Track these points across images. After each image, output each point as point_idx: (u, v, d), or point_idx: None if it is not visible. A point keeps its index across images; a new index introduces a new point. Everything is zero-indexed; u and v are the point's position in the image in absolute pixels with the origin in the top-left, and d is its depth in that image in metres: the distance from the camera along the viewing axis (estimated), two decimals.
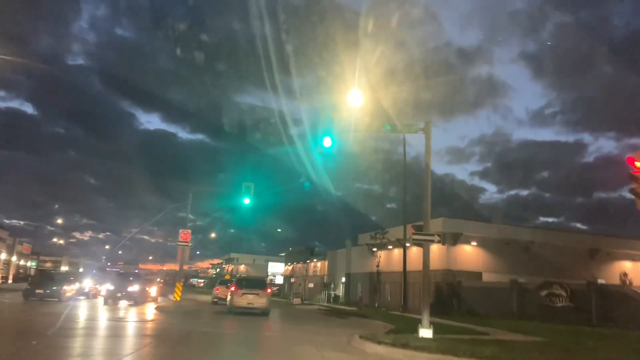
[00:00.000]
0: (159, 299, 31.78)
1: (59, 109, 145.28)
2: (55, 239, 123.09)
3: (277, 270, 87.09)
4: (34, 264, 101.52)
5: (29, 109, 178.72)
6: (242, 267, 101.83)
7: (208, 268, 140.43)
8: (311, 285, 54.53)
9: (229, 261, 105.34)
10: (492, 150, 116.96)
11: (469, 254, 34.52)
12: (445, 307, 29.69)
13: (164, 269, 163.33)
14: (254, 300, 21.89)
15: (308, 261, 63.75)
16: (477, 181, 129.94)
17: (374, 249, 36.12)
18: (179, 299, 25.55)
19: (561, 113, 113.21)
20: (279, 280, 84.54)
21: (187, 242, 25.48)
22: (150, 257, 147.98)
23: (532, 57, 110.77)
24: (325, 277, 56.21)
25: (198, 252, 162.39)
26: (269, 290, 24.03)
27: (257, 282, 24.64)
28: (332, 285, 50.95)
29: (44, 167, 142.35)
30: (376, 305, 39.00)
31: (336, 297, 49.75)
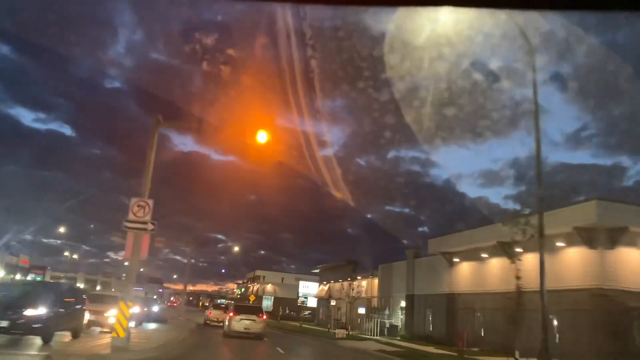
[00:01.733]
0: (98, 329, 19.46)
1: (96, 131, 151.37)
2: (67, 253, 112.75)
3: (309, 290, 73.98)
4: (37, 278, 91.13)
5: (67, 130, 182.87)
6: (269, 287, 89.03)
7: (234, 289, 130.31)
8: (358, 310, 40.90)
9: (254, 280, 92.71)
10: (526, 174, 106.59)
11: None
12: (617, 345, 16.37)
13: (190, 288, 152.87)
14: (251, 325, 23.67)
15: (350, 279, 50.53)
16: (511, 205, 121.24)
17: (515, 249, 20.97)
18: (122, 334, 12.71)
19: (598, 135, 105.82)
20: (312, 302, 71.41)
21: (144, 222, 12.92)
22: (175, 276, 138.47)
23: (566, 79, 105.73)
24: (375, 300, 42.90)
25: (223, 270, 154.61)
26: (264, 317, 25.53)
27: (254, 309, 26.47)
28: (387, 312, 37.61)
29: (81, 187, 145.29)
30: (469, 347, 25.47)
31: (392, 327, 36.42)
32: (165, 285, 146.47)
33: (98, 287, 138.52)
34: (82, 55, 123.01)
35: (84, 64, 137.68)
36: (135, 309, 25.50)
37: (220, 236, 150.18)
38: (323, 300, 58.24)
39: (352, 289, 44.62)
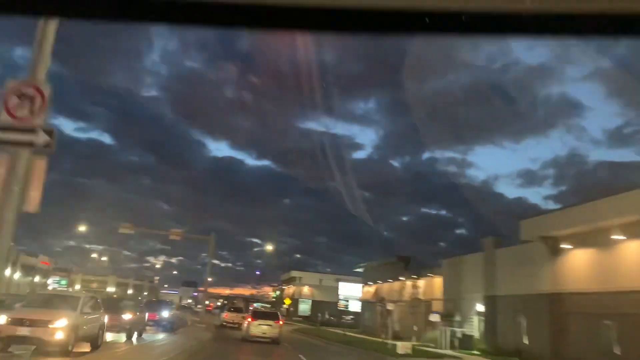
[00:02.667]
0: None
1: (134, 139, 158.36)
2: (95, 255, 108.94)
3: (351, 292, 66.05)
4: (63, 282, 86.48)
5: (106, 139, 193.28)
6: (305, 289, 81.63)
7: (270, 292, 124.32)
8: (431, 316, 32.34)
9: (289, 282, 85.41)
10: (567, 173, 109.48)
11: None
12: None
13: (227, 292, 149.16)
14: (268, 330, 24.78)
15: (402, 278, 42.44)
16: (551, 205, 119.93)
17: None
18: None
19: None
20: (355, 306, 63.48)
21: (29, 129, 5.52)
22: (210, 279, 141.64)
23: (607, 74, 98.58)
24: (437, 303, 34.72)
25: (257, 272, 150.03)
26: (281, 322, 26.56)
27: (271, 314, 27.59)
28: (457, 318, 29.35)
29: (120, 193, 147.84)
30: None
31: (466, 338, 28.22)
32: (203, 289, 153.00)
33: (130, 291, 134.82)
34: (120, 65, 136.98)
35: (122, 74, 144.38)
36: (126, 316, 18.79)
37: (256, 240, 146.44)
38: (369, 303, 50.26)
39: (416, 288, 36.67)
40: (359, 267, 55.30)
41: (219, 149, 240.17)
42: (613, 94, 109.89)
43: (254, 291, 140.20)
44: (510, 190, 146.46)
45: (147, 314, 25.74)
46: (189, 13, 1.27)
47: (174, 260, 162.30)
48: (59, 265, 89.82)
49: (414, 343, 30.16)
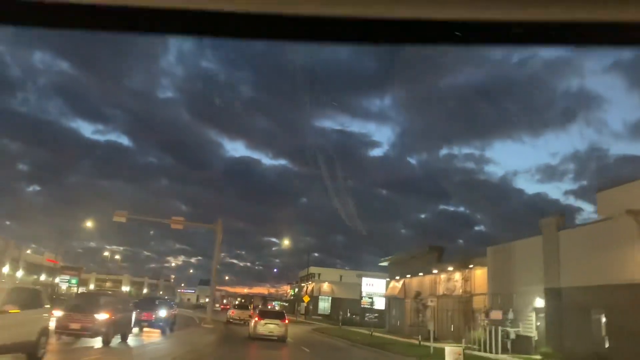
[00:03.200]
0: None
1: (151, 140, 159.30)
2: (107, 253, 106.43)
3: (375, 289, 61.23)
4: (74, 281, 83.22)
5: (125, 141, 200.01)
6: (325, 286, 77.00)
7: (288, 290, 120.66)
8: (491, 314, 26.90)
9: (307, 278, 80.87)
10: (587, 167, 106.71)
11: None
12: None
13: (245, 291, 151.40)
14: (274, 329, 24.88)
15: (435, 271, 37.56)
16: (572, 201, 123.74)
17: None
18: None
19: None
20: (380, 304, 58.65)
21: None
22: (227, 277, 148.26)
23: (627, 66, 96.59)
24: (481, 299, 29.85)
25: (275, 270, 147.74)
26: (286, 321, 26.52)
27: (277, 314, 28.41)
28: (510, 316, 24.34)
29: (139, 195, 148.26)
30: None
31: (521, 339, 23.33)
32: (220, 288, 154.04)
33: (145, 290, 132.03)
34: (136, 67, 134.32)
35: (138, 75, 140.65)
36: (102, 316, 14.59)
37: (274, 239, 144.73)
38: (396, 300, 45.44)
39: (454, 282, 31.95)
40: (384, 261, 50.45)
41: (235, 149, 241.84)
42: (634, 86, 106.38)
43: (272, 290, 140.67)
44: (530, 186, 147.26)
45: (134, 314, 21.56)
46: (192, 23, 1.30)
47: (193, 260, 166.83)
48: (70, 265, 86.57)
49: (459, 345, 25.35)
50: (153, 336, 21.10)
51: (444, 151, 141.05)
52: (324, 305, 76.82)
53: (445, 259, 38.05)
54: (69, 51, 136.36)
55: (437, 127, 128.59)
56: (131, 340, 18.41)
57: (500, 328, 23.72)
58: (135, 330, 23.61)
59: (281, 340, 24.91)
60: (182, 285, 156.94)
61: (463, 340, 27.06)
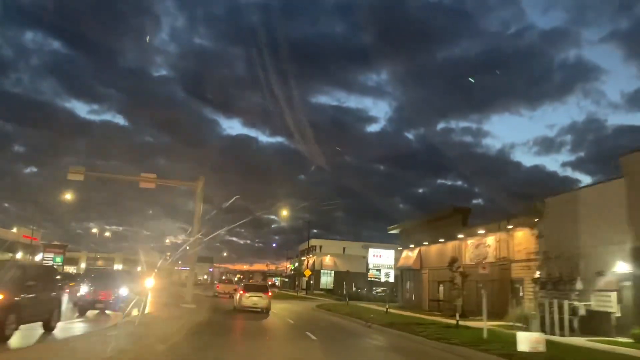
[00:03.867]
0: None
1: (147, 119, 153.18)
2: (95, 229, 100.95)
3: (383, 260, 55.75)
4: (58, 259, 77.55)
5: (120, 120, 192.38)
6: (327, 259, 71.62)
7: (288, 265, 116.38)
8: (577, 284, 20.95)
9: (309, 251, 75.43)
10: (585, 139, 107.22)
11: None
12: None
13: (245, 268, 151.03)
14: (258, 301, 25.83)
15: (461, 236, 31.79)
16: (569, 172, 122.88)
17: None
18: None
19: None
20: (388, 277, 53.26)
21: None
22: (225, 254, 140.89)
23: (625, 36, 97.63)
24: (530, 266, 24.11)
25: (274, 245, 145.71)
26: (269, 294, 27.41)
27: (260, 287, 28.47)
28: (578, 286, 18.53)
29: (137, 174, 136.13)
30: None
31: (597, 316, 17.64)
32: (220, 265, 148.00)
33: (138, 268, 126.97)
34: (130, 45, 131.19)
35: (132, 54, 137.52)
36: None
37: (273, 217, 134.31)
38: (411, 271, 39.81)
39: (501, 245, 26.39)
40: (394, 229, 44.70)
41: (232, 127, 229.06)
42: (632, 56, 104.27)
43: (272, 266, 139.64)
44: (527, 159, 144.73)
45: (85, 291, 15.87)
46: None
47: (192, 238, 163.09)
48: (56, 242, 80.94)
49: (500, 323, 19.67)
50: (102, 323, 15.34)
51: (441, 125, 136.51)
52: (327, 279, 71.62)
53: (472, 223, 32.31)
54: (61, 30, 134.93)
55: (434, 101, 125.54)
56: (61, 331, 12.65)
57: (566, 302, 17.97)
58: (91, 313, 17.97)
59: (265, 311, 25.83)
60: (179, 262, 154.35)
61: (498, 317, 21.48)
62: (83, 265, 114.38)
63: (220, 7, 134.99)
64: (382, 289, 55.02)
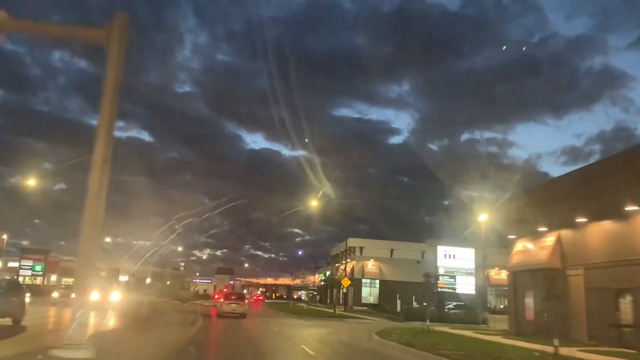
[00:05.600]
0: None
1: (172, 135, 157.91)
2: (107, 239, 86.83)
3: (458, 263, 39.23)
4: (38, 268, 63.39)
5: (146, 136, 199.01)
6: (370, 265, 55.48)
7: (314, 279, 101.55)
8: None
9: (345, 255, 59.26)
10: (614, 147, 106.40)
11: None
12: None
13: (268, 280, 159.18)
14: (237, 307, 30.99)
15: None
16: None
17: None
18: None
19: None
20: (464, 285, 36.88)
21: None
22: (246, 265, 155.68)
23: None
24: None
25: (300, 252, 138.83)
26: (246, 301, 34.18)
27: (238, 295, 35.15)
28: None
29: (163, 190, 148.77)
30: None
31: None
32: (244, 279, 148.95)
33: (148, 280, 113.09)
34: (153, 62, 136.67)
35: (156, 71, 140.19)
36: None
37: (297, 230, 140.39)
38: (537, 273, 23.29)
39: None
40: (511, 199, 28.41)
41: (255, 141, 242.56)
42: None
43: (297, 280, 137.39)
44: (554, 169, 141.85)
45: None
46: None
47: (218, 252, 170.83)
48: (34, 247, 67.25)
49: None
50: None
51: (465, 136, 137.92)
52: (369, 291, 55.54)
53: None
54: (85, 48, 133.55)
55: (457, 111, 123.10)
56: None
57: None
58: None
59: (242, 316, 30.33)
60: (197, 274, 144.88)
61: None
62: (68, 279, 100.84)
63: (241, 22, 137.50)
64: (454, 303, 38.72)
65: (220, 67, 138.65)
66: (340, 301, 52.52)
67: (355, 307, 50.86)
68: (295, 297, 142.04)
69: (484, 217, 31.10)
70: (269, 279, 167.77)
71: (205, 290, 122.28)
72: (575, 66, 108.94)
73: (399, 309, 43.40)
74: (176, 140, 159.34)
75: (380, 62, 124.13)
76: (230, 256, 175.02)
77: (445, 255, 38.19)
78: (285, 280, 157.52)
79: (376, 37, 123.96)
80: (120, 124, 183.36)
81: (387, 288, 53.02)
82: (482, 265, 37.79)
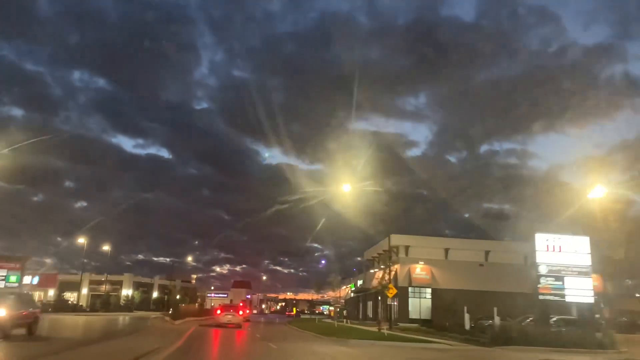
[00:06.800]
0: None
1: (190, 152, 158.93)
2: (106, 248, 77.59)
3: (566, 258, 26.85)
4: (13, 278, 52.66)
5: (165, 153, 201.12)
6: (418, 269, 43.24)
7: (340, 293, 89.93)
8: None
9: (385, 258, 46.93)
10: (637, 157, 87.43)
11: None
12: None
13: (287, 295, 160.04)
14: (232, 318, 33.54)
15: None
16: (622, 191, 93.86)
17: None
18: None
19: None
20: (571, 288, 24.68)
21: None
22: (265, 277, 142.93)
23: None
24: None
25: (323, 262, 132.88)
26: (240, 313, 36.85)
27: (234, 307, 38.74)
28: None
29: (183, 206, 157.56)
30: None
31: None
32: (268, 295, 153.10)
33: (155, 294, 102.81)
34: (171, 80, 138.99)
35: (174, 88, 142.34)
36: None
37: (316, 245, 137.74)
38: None
39: None
40: None
41: (273, 156, 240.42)
42: None
43: (318, 296, 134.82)
44: (576, 179, 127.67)
45: None
46: None
47: (238, 268, 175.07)
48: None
49: None
50: None
51: (484, 147, 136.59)
52: (418, 302, 43.30)
53: None
54: (105, 68, 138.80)
55: (475, 123, 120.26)
56: None
57: None
58: None
59: (237, 326, 32.47)
60: (212, 288, 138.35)
61: None
62: (85, 290, 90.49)
63: (257, 39, 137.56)
64: (558, 317, 26.45)
65: (237, 83, 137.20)
66: (380, 316, 40.53)
67: (401, 324, 38.77)
68: (317, 311, 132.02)
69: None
70: (289, 294, 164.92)
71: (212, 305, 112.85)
72: (595, 75, 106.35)
73: (467, 325, 31.40)
74: (194, 157, 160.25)
75: (396, 75, 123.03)
76: (249, 272, 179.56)
77: (548, 245, 25.91)
78: (304, 296, 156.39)
79: (392, 50, 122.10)
80: (140, 141, 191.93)
81: (442, 298, 40.89)
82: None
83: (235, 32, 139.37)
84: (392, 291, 35.97)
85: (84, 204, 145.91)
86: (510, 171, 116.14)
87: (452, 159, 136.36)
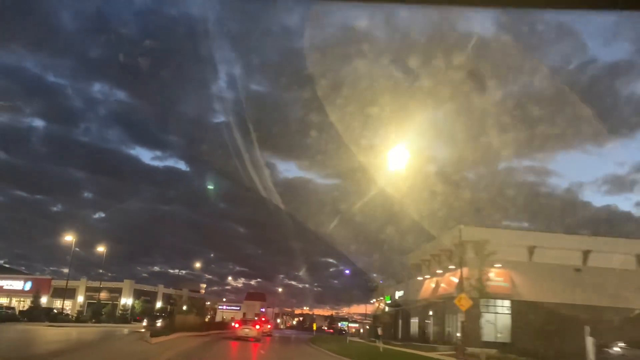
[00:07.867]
0: None
1: (207, 165, 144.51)
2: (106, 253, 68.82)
3: None
4: None
5: (182, 166, 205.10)
6: (493, 273, 32.27)
7: (373, 311, 79.81)
8: None
9: (446, 256, 36.04)
10: None
11: None
12: None
13: (303, 310, 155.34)
14: (250, 332, 35.26)
15: None
16: None
17: None
18: None
19: None
20: None
21: None
22: (281, 289, 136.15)
23: None
24: None
25: (347, 271, 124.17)
26: (257, 327, 37.11)
27: (252, 322, 39.92)
28: None
29: (199, 218, 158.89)
30: None
31: None
32: (285, 309, 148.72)
33: (159, 303, 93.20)
34: (189, 93, 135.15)
35: (191, 101, 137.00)
36: None
37: (331, 260, 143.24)
38: None
39: None
40: None
41: (288, 170, 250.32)
42: None
43: (333, 312, 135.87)
44: (597, 198, 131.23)
45: None
46: None
47: (253, 282, 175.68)
48: None
49: None
50: None
51: (502, 164, 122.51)
52: (495, 319, 32.30)
53: None
54: (124, 81, 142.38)
55: (493, 140, 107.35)
56: None
57: None
58: None
59: (256, 340, 34.73)
60: (224, 300, 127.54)
61: None
62: (81, 298, 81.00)
63: (275, 53, 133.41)
64: None
65: (255, 97, 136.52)
66: (458, 337, 29.77)
67: (470, 348, 27.86)
68: (334, 327, 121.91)
69: None
70: (305, 308, 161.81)
71: (232, 318, 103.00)
72: (616, 92, 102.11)
73: (591, 356, 20.83)
74: (211, 170, 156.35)
75: (414, 90, 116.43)
76: (264, 285, 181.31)
77: None
78: (320, 311, 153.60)
79: (409, 65, 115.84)
80: (158, 153, 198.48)
81: (525, 314, 30.03)
82: None
83: (253, 45, 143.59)
84: (465, 302, 25.78)
85: (102, 214, 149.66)
86: None
87: (470, 175, 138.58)
